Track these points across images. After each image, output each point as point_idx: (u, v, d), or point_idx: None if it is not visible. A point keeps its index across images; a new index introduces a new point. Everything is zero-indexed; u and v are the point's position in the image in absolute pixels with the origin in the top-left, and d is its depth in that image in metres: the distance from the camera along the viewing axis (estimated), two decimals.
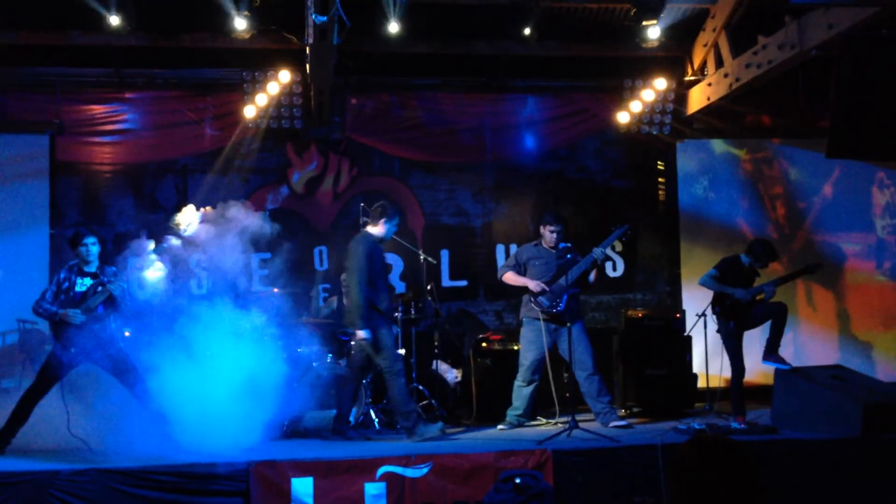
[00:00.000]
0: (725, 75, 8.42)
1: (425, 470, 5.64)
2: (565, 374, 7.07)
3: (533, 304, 6.85)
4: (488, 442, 6.27)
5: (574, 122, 9.51)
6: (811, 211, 9.53)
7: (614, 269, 9.30)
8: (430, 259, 7.77)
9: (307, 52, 7.58)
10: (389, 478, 5.59)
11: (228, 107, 8.76)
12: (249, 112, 8.47)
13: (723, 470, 2.49)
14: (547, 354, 6.76)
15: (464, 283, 9.15)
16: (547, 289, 6.81)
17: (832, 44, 6.82)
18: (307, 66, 7.89)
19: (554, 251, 6.96)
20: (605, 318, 9.11)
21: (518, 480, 4.38)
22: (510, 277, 7.06)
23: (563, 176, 9.51)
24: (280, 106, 8.51)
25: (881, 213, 9.65)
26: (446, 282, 9.10)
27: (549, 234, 7.00)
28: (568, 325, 6.58)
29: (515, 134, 9.40)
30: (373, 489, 5.54)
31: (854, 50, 6.35)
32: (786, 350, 7.02)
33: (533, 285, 6.83)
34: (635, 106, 9.10)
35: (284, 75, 8.34)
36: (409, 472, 5.63)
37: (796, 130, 9.35)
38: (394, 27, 8.01)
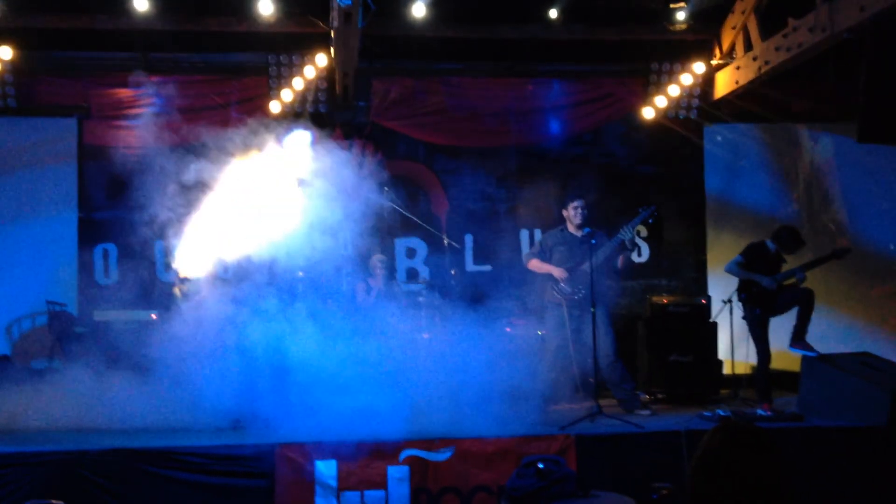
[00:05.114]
0: (754, 59, 8.29)
1: (448, 454, 5.67)
2: (589, 360, 7.03)
3: (555, 291, 6.83)
4: (511, 427, 6.27)
5: (599, 107, 9.42)
6: (842, 198, 9.39)
7: (639, 254, 9.23)
8: (453, 243, 7.75)
9: (332, 35, 7.57)
10: (412, 461, 5.62)
11: (254, 91, 8.78)
12: (286, 96, 8.46)
13: (748, 457, 2.48)
14: (570, 340, 6.73)
15: (488, 267, 9.13)
16: (567, 275, 6.77)
17: (864, 27, 6.68)
18: (332, 49, 7.88)
19: (579, 236, 6.91)
20: (630, 304, 9.05)
21: (540, 465, 4.37)
22: (535, 264, 7.03)
23: (589, 161, 9.44)
24: (305, 90, 8.51)
25: None
26: (470, 266, 9.09)
27: (573, 212, 6.93)
28: (592, 310, 6.54)
29: (540, 118, 9.33)
30: (396, 472, 5.57)
31: (885, 32, 6.23)
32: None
33: (557, 272, 6.80)
34: (662, 90, 9.00)
35: (321, 59, 8.30)
36: (432, 456, 5.66)
37: (827, 115, 9.19)
38: (419, 10, 7.97)
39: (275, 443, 5.52)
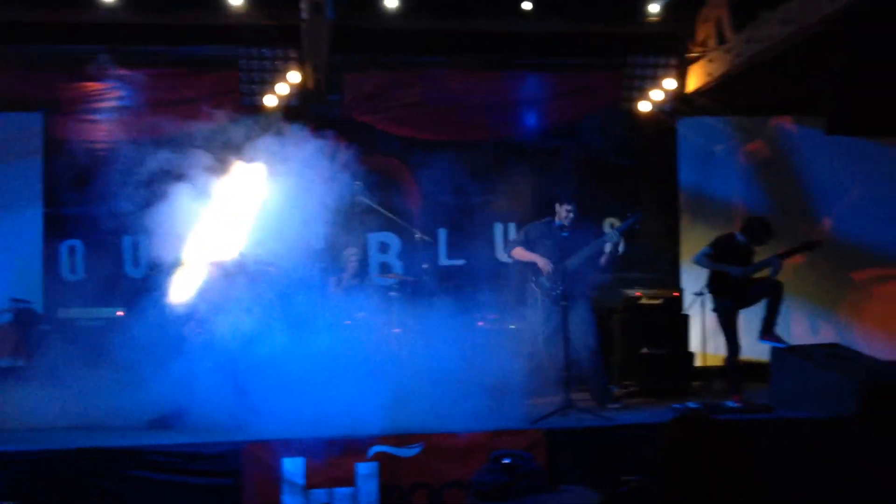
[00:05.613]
0: (727, 51, 8.29)
1: (418, 450, 5.62)
2: (562, 354, 7.01)
3: (534, 285, 6.78)
4: (482, 421, 6.24)
5: (576, 100, 9.38)
6: (813, 190, 9.42)
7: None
8: (425, 238, 7.71)
9: (302, 28, 7.49)
10: (382, 457, 5.57)
11: (225, 84, 8.67)
12: (257, 90, 8.38)
13: (704, 447, 2.46)
14: (547, 334, 6.67)
15: (462, 261, 9.08)
16: (552, 269, 6.73)
17: (834, 19, 6.69)
18: (303, 42, 7.81)
19: (564, 231, 6.86)
20: (603, 297, 9.00)
21: (507, 460, 4.34)
22: (520, 252, 6.97)
23: (565, 154, 9.37)
24: (276, 84, 8.42)
25: None
26: (443, 260, 9.05)
27: (563, 213, 6.89)
28: (566, 304, 6.50)
29: (517, 112, 9.27)
30: (365, 469, 5.52)
31: (855, 24, 6.24)
32: None
33: (542, 263, 6.73)
34: (637, 83, 8.98)
35: (292, 52, 8.21)
36: (402, 452, 5.62)
37: (798, 107, 9.21)
38: (392, 1, 7.90)
39: (242, 440, 5.46)
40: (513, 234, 9.18)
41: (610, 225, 8.66)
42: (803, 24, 7.08)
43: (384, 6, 7.92)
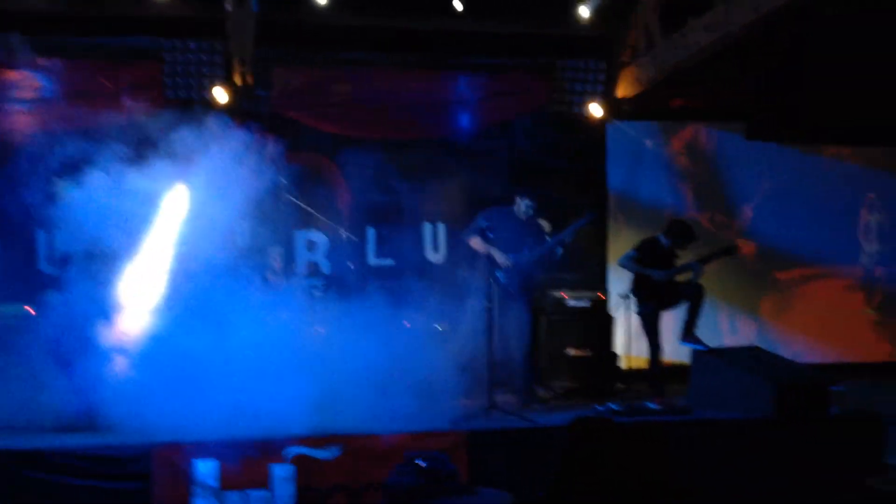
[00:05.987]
0: (655, 57, 8.38)
1: (337, 451, 5.53)
2: (496, 353, 6.96)
3: (490, 279, 6.68)
4: (404, 423, 6.16)
5: (507, 101, 9.37)
6: (735, 195, 9.60)
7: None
8: (351, 236, 7.62)
9: (227, 20, 7.33)
10: (299, 459, 5.46)
11: (147, 77, 8.42)
12: (181, 83, 8.17)
13: (602, 450, 2.44)
14: (485, 331, 6.58)
15: (390, 261, 9.00)
16: (510, 264, 6.66)
17: (758, 26, 6.81)
18: (228, 35, 7.64)
19: (521, 223, 6.80)
20: (531, 298, 9.04)
21: (421, 462, 4.28)
22: (476, 244, 6.86)
23: (495, 155, 9.37)
24: (200, 76, 8.21)
25: (868, 239, 9.87)
26: (372, 260, 8.95)
27: (524, 207, 6.83)
28: (490, 305, 6.46)
29: (448, 111, 9.21)
30: (281, 471, 5.40)
31: (776, 33, 6.35)
32: None
33: (501, 258, 6.66)
34: (568, 86, 9.03)
35: (218, 45, 8.01)
36: (320, 454, 5.52)
37: (722, 114, 9.37)
38: None
39: (152, 442, 5.28)
40: (443, 234, 9.16)
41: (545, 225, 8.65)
42: (727, 31, 7.19)
43: (314, 1, 7.79)
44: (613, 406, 6.29)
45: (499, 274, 6.65)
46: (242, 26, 7.24)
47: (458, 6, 8.21)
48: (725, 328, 9.20)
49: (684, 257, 7.14)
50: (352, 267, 7.87)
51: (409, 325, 7.63)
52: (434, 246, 9.16)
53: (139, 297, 6.35)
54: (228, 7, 6.95)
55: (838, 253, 9.83)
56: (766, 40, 6.44)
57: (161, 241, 6.63)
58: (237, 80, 8.36)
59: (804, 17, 6.50)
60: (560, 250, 6.77)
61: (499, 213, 6.92)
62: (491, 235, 6.82)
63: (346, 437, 5.60)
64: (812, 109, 6.52)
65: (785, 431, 6.05)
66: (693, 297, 6.74)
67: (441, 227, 9.09)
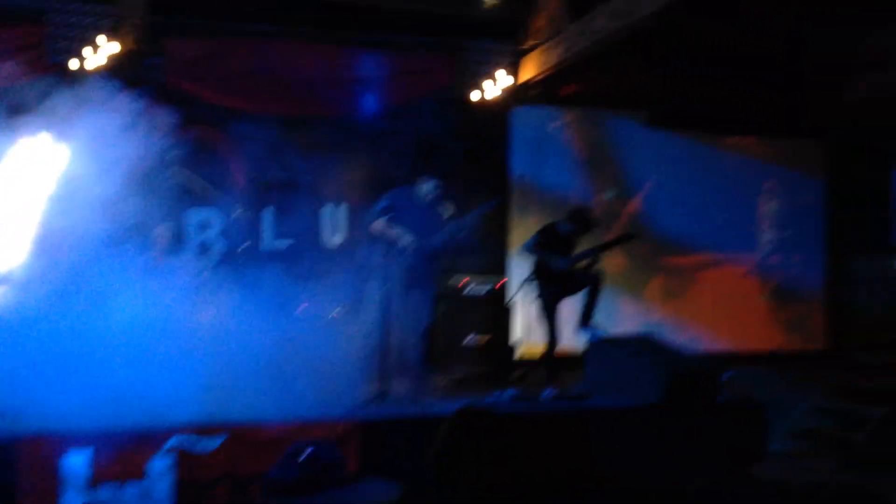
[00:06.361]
0: (561, 42, 8.35)
1: (219, 442, 5.28)
2: (392, 340, 6.80)
3: (389, 261, 6.47)
4: (293, 411, 5.96)
5: (412, 82, 9.19)
6: (635, 183, 9.71)
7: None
8: (247, 216, 7.32)
9: None
10: (179, 450, 5.19)
11: (30, 40, 7.88)
12: (67, 49, 7.67)
13: (486, 442, 2.36)
14: (385, 317, 6.40)
15: (287, 243, 8.72)
16: (414, 247, 6.47)
17: (662, 15, 6.82)
18: None
19: (425, 206, 6.62)
20: (433, 282, 8.92)
21: (304, 453, 4.08)
22: (380, 226, 6.61)
23: (399, 136, 9.16)
24: (86, 41, 7.73)
25: (765, 227, 10.10)
26: (269, 241, 8.66)
27: (425, 189, 6.64)
28: (387, 285, 6.29)
29: (351, 89, 8.97)
30: (159, 462, 5.12)
31: (678, 21, 6.37)
32: None
33: (404, 241, 6.44)
34: (473, 68, 8.92)
35: (107, 8, 7.56)
36: (202, 444, 5.26)
37: (625, 101, 9.42)
38: None
39: (18, 433, 4.92)
40: (344, 216, 8.94)
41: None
42: (632, 19, 7.20)
43: None
44: (510, 392, 6.23)
45: (401, 257, 6.47)
46: None
47: None
48: (623, 316, 9.29)
49: (584, 244, 7.13)
50: (246, 247, 7.55)
51: (305, 309, 7.41)
52: (334, 227, 8.92)
53: (6, 274, 5.93)
54: None
55: (736, 240, 10.08)
56: (669, 30, 6.42)
57: (33, 211, 6.18)
58: (127, 46, 7.92)
59: (705, 9, 6.54)
60: (463, 235, 6.62)
61: (403, 194, 6.69)
62: (394, 217, 6.62)
63: (231, 427, 5.35)
64: (710, 100, 6.57)
65: (674, 418, 6.12)
66: (592, 285, 6.74)
67: (342, 208, 8.86)
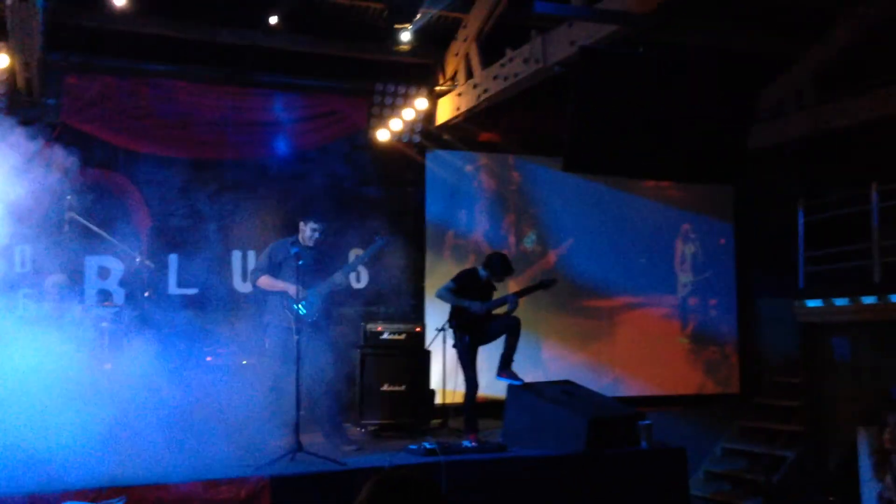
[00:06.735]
0: (475, 86, 8.35)
1: None
2: (302, 391, 6.51)
3: (288, 311, 6.22)
4: (199, 470, 5.59)
5: (324, 124, 9.03)
6: (550, 228, 9.73)
7: (358, 280, 8.90)
8: (148, 263, 6.95)
9: (7, 16, 6.53)
10: None
11: None
12: None
13: None
14: (293, 368, 6.13)
15: (194, 290, 8.33)
16: (306, 294, 6.23)
17: (574, 60, 6.87)
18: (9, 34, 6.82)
19: (311, 251, 6.41)
20: (345, 332, 8.66)
21: None
22: (265, 281, 6.39)
23: (311, 180, 8.96)
24: None
25: (683, 269, 10.25)
26: (173, 289, 8.26)
27: (309, 232, 6.44)
28: (297, 337, 6.02)
29: (260, 132, 8.75)
30: None
31: (590, 63, 6.42)
32: None
33: (293, 290, 6.20)
34: (386, 112, 8.83)
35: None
36: None
37: (539, 146, 9.48)
38: (119, 0, 7.12)
39: None
40: (253, 262, 8.61)
41: (355, 255, 8.34)
42: (544, 64, 7.24)
43: (111, 4, 7.12)
44: (427, 445, 6.00)
45: (295, 307, 6.23)
46: (27, 24, 6.44)
47: (273, 21, 7.81)
48: (543, 362, 9.23)
49: (502, 290, 7.04)
50: (150, 296, 7.15)
51: (212, 360, 7.06)
52: (243, 274, 8.59)
53: None
54: (8, 1, 6.16)
55: (654, 284, 10.19)
56: (579, 73, 6.47)
57: None
58: (20, 84, 7.51)
59: (612, 55, 6.62)
60: (356, 279, 6.50)
61: (282, 247, 6.51)
62: (277, 272, 6.42)
63: (129, 489, 4.96)
64: (624, 145, 6.62)
65: (597, 466, 6.03)
66: (510, 331, 6.62)
67: (251, 255, 8.54)
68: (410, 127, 8.93)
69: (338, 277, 6.40)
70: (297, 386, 6.07)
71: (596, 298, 9.87)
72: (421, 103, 8.79)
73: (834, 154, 9.48)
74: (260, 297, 6.67)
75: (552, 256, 9.69)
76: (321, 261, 6.49)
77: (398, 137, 8.96)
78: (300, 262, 6.05)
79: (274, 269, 6.45)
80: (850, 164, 9.39)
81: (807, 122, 9.23)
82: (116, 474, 5.23)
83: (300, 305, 6.23)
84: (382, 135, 8.91)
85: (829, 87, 9.16)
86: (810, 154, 9.72)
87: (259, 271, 6.54)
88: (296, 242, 6.42)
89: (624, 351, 9.87)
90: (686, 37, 8.21)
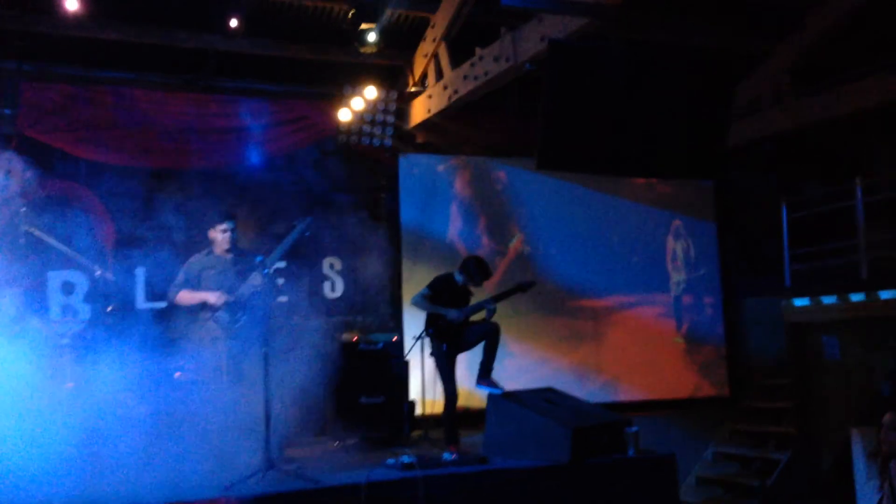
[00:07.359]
0: (445, 87, 8.17)
1: None
2: (265, 404, 6.25)
3: (212, 321, 5.98)
4: (163, 491, 5.33)
5: (292, 130, 8.80)
6: (526, 230, 9.51)
7: (333, 289, 8.66)
8: (109, 276, 6.69)
9: None
10: None
11: None
12: None
13: None
14: (232, 382, 5.86)
15: (163, 304, 8.04)
16: (230, 300, 5.96)
17: (544, 55, 6.69)
18: None
19: (230, 257, 6.14)
20: (321, 343, 8.39)
21: None
22: (185, 297, 6.10)
23: (281, 187, 8.73)
24: None
25: (675, 267, 10.07)
26: (142, 303, 7.97)
27: (220, 237, 6.16)
28: (266, 349, 5.75)
29: (226, 139, 8.52)
30: None
31: (561, 58, 6.24)
32: None
33: (213, 297, 5.95)
34: (355, 115, 8.60)
35: None
36: None
37: (513, 147, 9.28)
38: (72, 5, 6.86)
39: None
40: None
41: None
42: (515, 61, 7.07)
43: (65, 9, 6.86)
44: (406, 458, 5.76)
45: (219, 315, 5.98)
46: None
47: (233, 24, 7.58)
48: (527, 368, 8.99)
49: (479, 295, 6.82)
50: (113, 311, 6.89)
51: (181, 376, 6.79)
52: None
53: None
54: None
55: (647, 282, 10.01)
56: (549, 68, 6.29)
57: None
58: None
59: (582, 49, 6.43)
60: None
61: (198, 258, 6.27)
62: (195, 284, 6.14)
63: None
64: (596, 140, 6.44)
65: (581, 476, 5.81)
66: (489, 337, 6.41)
67: None
68: (381, 130, 8.70)
69: (255, 278, 6.07)
70: (267, 399, 5.82)
71: (583, 299, 9.68)
72: (381, 105, 8.59)
73: (814, 149, 9.36)
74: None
75: (532, 259, 9.47)
76: (243, 261, 6.17)
77: (369, 141, 8.73)
78: (228, 260, 5.92)
79: (193, 283, 6.16)
80: (831, 159, 9.28)
81: (785, 118, 9.12)
82: (81, 497, 5.04)
83: (222, 312, 5.96)
84: (341, 138, 8.64)
85: (807, 81, 9.05)
86: (790, 150, 9.60)
87: (176, 287, 6.23)
88: (210, 253, 6.18)
89: (614, 354, 9.67)
90: (657, 32, 8.06)
